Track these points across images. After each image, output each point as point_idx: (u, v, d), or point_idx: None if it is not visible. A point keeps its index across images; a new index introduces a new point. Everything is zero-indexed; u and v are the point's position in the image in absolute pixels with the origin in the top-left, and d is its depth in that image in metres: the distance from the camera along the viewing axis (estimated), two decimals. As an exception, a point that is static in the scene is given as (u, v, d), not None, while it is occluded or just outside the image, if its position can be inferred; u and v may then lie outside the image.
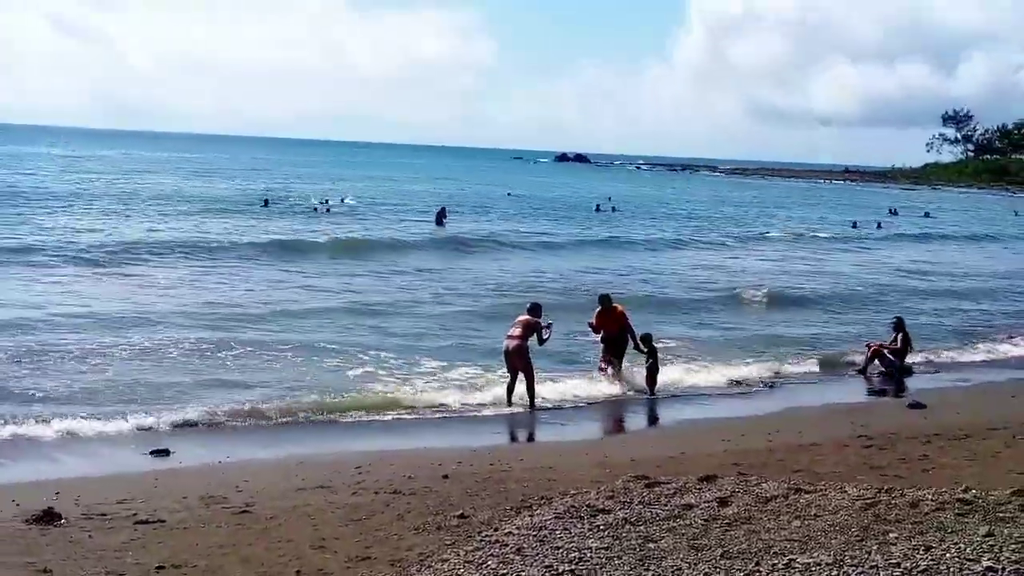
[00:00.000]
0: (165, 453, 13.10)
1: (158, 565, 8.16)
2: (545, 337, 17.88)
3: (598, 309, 19.17)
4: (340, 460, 12.73)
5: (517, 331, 17.48)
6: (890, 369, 20.69)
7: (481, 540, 8.30)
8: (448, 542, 8.46)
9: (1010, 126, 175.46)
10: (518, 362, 17.19)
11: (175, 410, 15.02)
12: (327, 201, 58.11)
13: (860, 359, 21.07)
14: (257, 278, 29.29)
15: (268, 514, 9.74)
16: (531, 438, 15.58)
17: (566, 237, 47.20)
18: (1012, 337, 25.00)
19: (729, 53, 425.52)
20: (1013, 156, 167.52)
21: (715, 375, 19.58)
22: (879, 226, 63.90)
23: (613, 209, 67.76)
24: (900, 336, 21.14)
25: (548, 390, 17.73)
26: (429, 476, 11.43)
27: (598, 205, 69.83)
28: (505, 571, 7.33)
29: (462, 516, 9.32)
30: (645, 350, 18.63)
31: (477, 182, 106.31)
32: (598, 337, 19.09)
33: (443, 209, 53.42)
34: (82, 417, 14.29)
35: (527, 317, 17.87)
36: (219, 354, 18.87)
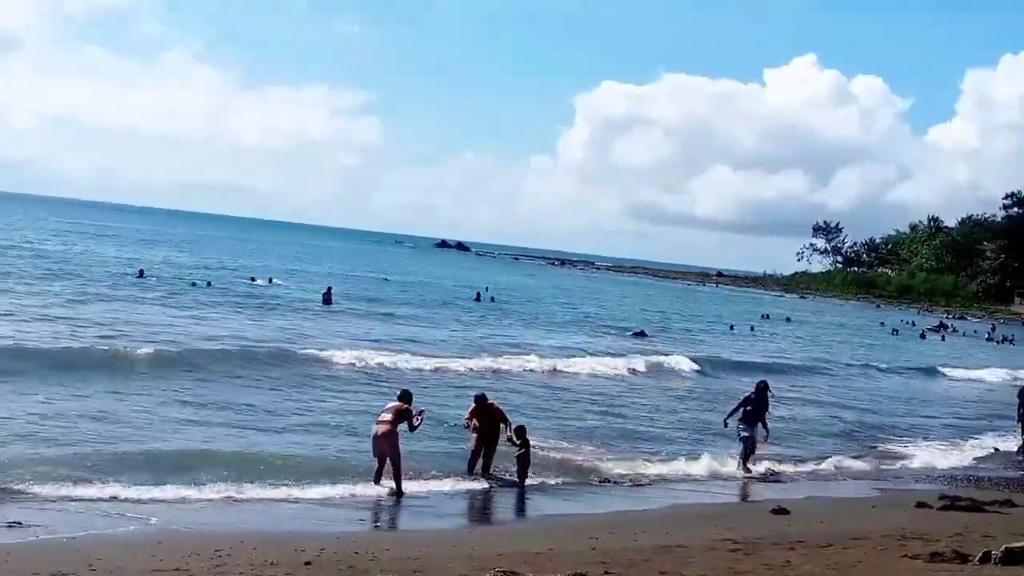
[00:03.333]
0: (18, 525, 12.57)
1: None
2: (416, 424, 17.79)
3: (472, 407, 19.28)
4: (198, 541, 12.38)
5: (388, 416, 17.39)
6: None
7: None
8: (308, 633, 8.23)
9: (877, 240, 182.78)
10: (387, 448, 17.04)
11: (27, 482, 14.48)
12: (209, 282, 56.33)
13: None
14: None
15: (120, 596, 9.37)
16: (397, 527, 15.34)
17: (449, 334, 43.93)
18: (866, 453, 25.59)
19: (612, 154, 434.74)
20: (879, 270, 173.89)
21: (586, 471, 19.64)
22: (752, 329, 66.36)
23: (492, 299, 68.15)
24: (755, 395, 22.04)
25: (417, 479, 17.62)
26: (291, 562, 11.16)
27: (479, 294, 70.23)
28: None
29: (324, 606, 9.08)
30: (518, 442, 18.63)
31: (357, 265, 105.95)
32: (470, 428, 19.11)
33: (329, 289, 54.57)
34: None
35: (398, 404, 17.80)
36: (74, 428, 18.28)
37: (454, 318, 52.29)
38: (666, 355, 41.94)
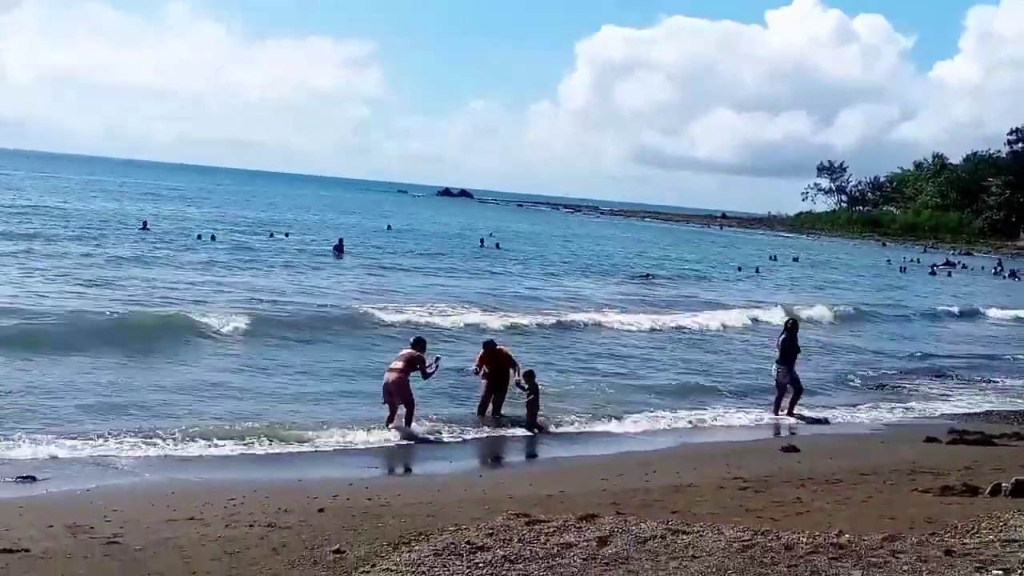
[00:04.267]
0: (31, 479, 12.65)
1: (19, 596, 7.80)
2: (430, 372, 17.84)
3: (481, 352, 19.40)
4: (212, 491, 12.43)
5: (399, 364, 17.42)
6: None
7: (358, 576, 8.14)
8: (323, 578, 8.28)
9: (882, 179, 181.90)
10: (397, 395, 17.07)
11: (43, 436, 14.55)
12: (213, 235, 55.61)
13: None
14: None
15: (137, 545, 9.41)
16: (409, 472, 15.43)
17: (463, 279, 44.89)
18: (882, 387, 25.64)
19: (614, 99, 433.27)
20: (884, 208, 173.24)
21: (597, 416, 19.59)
22: (757, 271, 66.32)
23: (497, 246, 68.09)
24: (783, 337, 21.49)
25: (428, 425, 17.57)
26: (304, 509, 11.21)
27: (482, 240, 70.30)
28: (382, 609, 7.19)
29: (338, 551, 9.13)
30: (526, 386, 18.65)
31: (364, 215, 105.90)
32: (480, 375, 19.19)
33: (340, 241, 54.21)
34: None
35: (410, 351, 17.84)
36: (89, 381, 18.32)
37: (474, 267, 52.33)
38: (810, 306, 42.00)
